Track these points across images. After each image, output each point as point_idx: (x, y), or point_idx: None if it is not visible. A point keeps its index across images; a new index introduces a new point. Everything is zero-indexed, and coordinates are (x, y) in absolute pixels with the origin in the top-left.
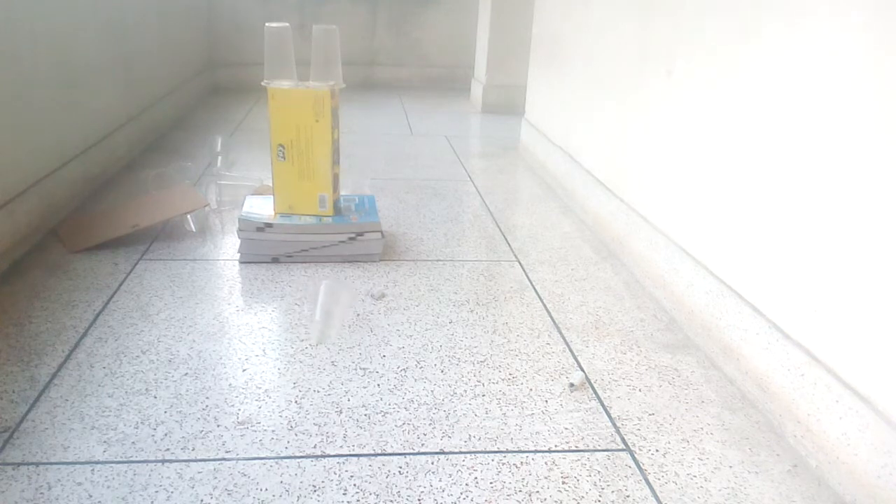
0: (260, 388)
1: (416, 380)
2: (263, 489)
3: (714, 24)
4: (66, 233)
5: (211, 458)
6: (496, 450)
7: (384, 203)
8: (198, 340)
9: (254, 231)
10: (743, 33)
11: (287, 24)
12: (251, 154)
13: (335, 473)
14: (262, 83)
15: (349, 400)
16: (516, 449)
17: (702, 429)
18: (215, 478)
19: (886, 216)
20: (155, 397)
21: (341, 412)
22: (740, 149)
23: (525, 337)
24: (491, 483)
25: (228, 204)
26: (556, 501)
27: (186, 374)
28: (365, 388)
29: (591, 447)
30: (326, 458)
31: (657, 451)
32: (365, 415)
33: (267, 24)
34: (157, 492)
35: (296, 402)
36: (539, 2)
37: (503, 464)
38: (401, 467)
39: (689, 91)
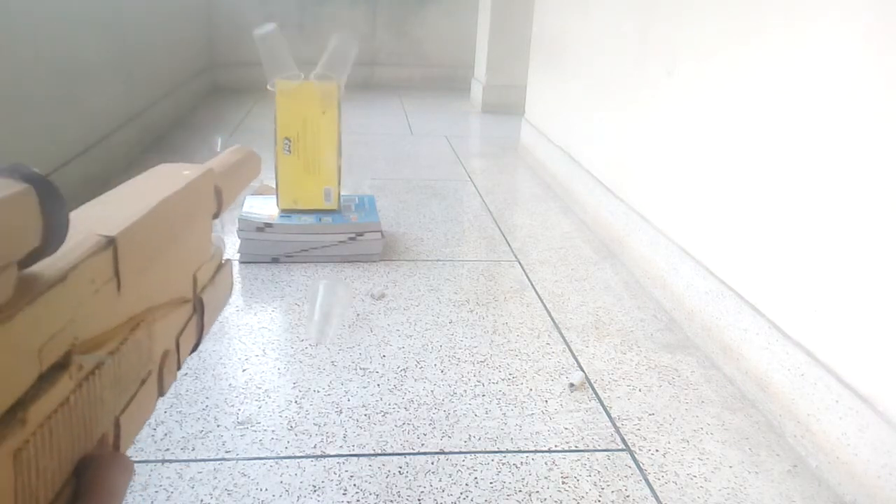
0: (260, 388)
1: (416, 380)
2: (263, 489)
3: (714, 25)
4: None
5: (211, 458)
6: (496, 450)
7: (384, 203)
8: None
9: (254, 231)
10: (743, 34)
11: (273, 25)
12: None
13: (335, 473)
14: (268, 87)
15: (349, 400)
16: (516, 449)
17: (702, 429)
18: (215, 478)
19: (886, 217)
20: None
21: (341, 412)
22: (740, 149)
23: (525, 337)
24: (491, 483)
25: None
26: (556, 501)
27: (186, 374)
28: (365, 388)
29: (591, 447)
30: (326, 458)
31: (657, 451)
32: (365, 415)
33: (255, 32)
34: (157, 492)
35: (296, 402)
36: (539, 2)
37: (503, 464)
38: (401, 467)
39: (690, 91)
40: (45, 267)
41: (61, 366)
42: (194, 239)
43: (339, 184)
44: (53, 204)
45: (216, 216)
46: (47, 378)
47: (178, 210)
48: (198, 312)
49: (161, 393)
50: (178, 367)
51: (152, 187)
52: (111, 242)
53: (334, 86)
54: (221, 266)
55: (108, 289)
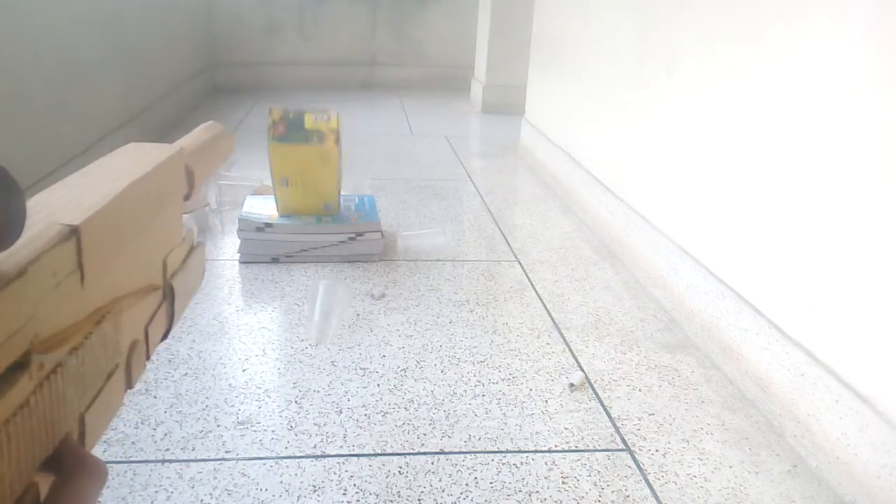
0: (260, 388)
1: (416, 380)
2: (263, 489)
3: (715, 25)
4: None
5: (211, 458)
6: (496, 450)
7: (384, 203)
8: (198, 340)
9: (253, 231)
10: (744, 34)
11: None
12: (251, 154)
13: (335, 473)
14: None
15: (349, 400)
16: (516, 449)
17: (702, 429)
18: (215, 478)
19: (885, 217)
20: (155, 397)
21: (341, 412)
22: (740, 149)
23: (525, 337)
24: (491, 483)
25: (228, 204)
26: (556, 501)
27: (186, 374)
28: (365, 388)
29: (591, 447)
30: (326, 458)
31: (657, 451)
32: (365, 415)
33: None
34: (156, 492)
35: (296, 402)
36: (539, 2)
37: (503, 464)
38: (401, 467)
39: (690, 91)
40: (2, 261)
41: (20, 366)
42: (164, 223)
43: (339, 195)
44: (8, 193)
45: (188, 198)
46: (5, 379)
47: (147, 194)
48: (168, 299)
49: (129, 385)
50: (148, 358)
51: (119, 170)
52: (74, 232)
53: (334, 147)
54: (193, 249)
55: (71, 281)
